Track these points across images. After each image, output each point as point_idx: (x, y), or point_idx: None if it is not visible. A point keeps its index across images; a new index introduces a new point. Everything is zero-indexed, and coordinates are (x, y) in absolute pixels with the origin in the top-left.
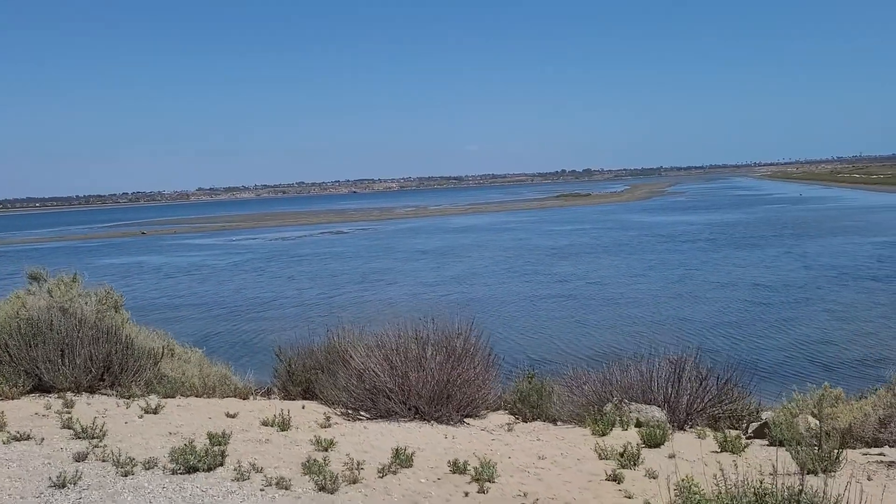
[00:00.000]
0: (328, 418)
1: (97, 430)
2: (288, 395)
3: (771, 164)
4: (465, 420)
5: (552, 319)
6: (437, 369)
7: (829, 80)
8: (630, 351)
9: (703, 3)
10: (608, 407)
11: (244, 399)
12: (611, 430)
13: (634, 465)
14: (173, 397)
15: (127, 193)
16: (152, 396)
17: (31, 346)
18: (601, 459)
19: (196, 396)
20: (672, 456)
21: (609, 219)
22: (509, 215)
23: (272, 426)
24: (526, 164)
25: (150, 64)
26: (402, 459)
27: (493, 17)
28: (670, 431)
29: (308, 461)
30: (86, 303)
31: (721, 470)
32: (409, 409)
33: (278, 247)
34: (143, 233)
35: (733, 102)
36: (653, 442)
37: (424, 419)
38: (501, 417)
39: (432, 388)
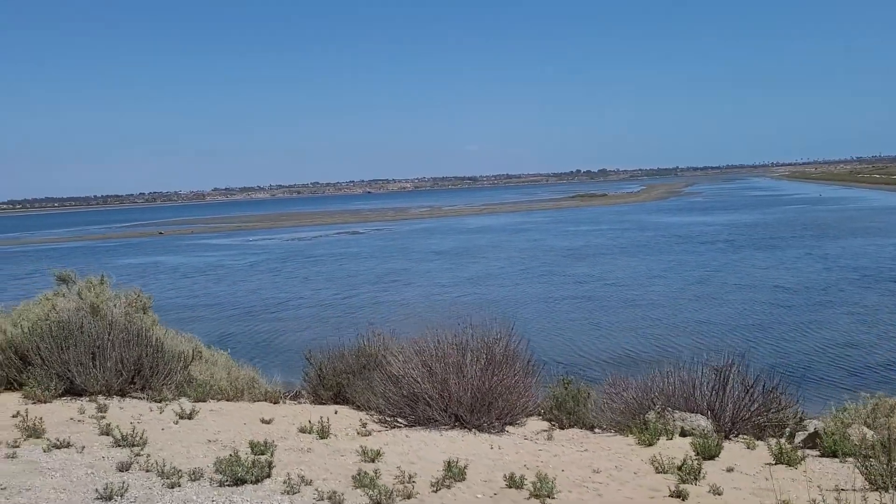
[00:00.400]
0: (364, 425)
1: (137, 438)
2: (318, 400)
3: (789, 165)
4: (504, 428)
5: (571, 321)
6: (477, 376)
7: (848, 80)
8: (649, 353)
9: (719, 1)
10: (650, 415)
11: (275, 403)
12: (657, 439)
13: (696, 479)
14: (205, 401)
15: (144, 193)
16: (183, 400)
17: (62, 349)
18: (658, 473)
19: (227, 400)
20: (730, 469)
21: (626, 219)
22: (525, 216)
23: (310, 433)
24: (540, 164)
25: (163, 64)
26: (454, 473)
27: (506, 16)
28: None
29: (358, 474)
30: (114, 305)
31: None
32: (450, 416)
33: (295, 247)
34: (161, 233)
35: (750, 102)
36: (707, 453)
37: (465, 427)
38: (537, 424)
39: (473, 395)
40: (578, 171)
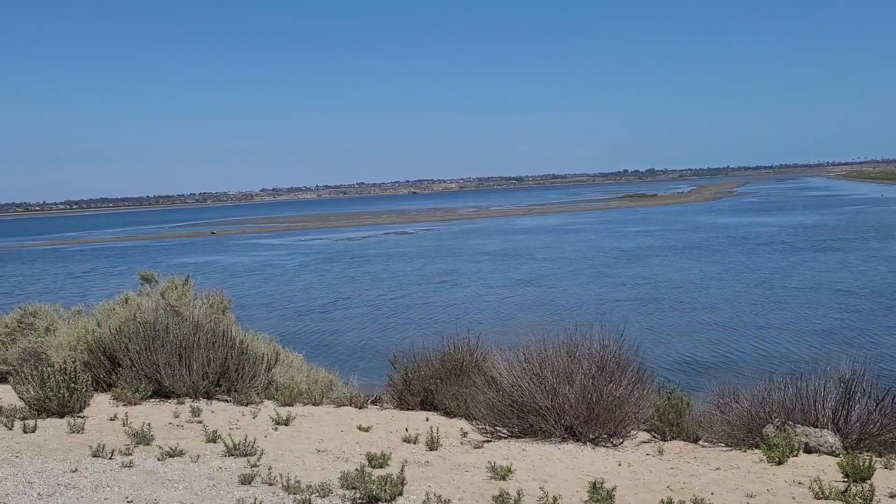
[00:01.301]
0: (465, 434)
1: (249, 447)
2: (404, 405)
3: (845, 164)
4: (621, 441)
5: (629, 323)
6: (591, 385)
7: None
8: (707, 358)
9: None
10: (769, 429)
11: (360, 408)
12: (788, 457)
13: None
14: (292, 405)
15: (194, 194)
16: (269, 403)
17: (150, 351)
18: (819, 499)
19: (313, 405)
20: (893, 495)
21: (678, 220)
22: (574, 216)
23: (414, 443)
24: (587, 163)
25: (210, 66)
26: (602, 496)
27: (553, 15)
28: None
29: (501, 496)
30: (196, 306)
31: None
32: (563, 428)
33: (345, 247)
34: (213, 233)
35: (803, 99)
36: (858, 475)
37: (579, 440)
38: (639, 435)
39: (588, 405)
40: (626, 170)
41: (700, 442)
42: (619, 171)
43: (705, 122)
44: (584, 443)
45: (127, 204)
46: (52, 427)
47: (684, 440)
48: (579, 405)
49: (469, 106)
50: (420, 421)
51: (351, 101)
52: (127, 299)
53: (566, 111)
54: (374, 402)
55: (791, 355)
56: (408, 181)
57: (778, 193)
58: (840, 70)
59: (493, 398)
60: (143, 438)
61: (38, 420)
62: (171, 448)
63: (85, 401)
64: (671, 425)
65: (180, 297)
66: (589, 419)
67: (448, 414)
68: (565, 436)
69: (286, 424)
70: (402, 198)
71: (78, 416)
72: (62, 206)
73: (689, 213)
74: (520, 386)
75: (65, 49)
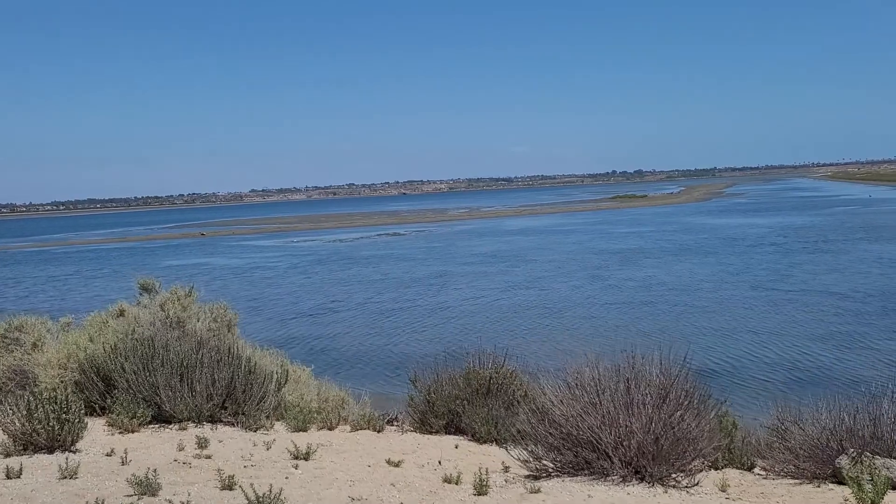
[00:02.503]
0: (507, 468)
1: (274, 500)
2: (427, 428)
3: (830, 165)
4: (682, 479)
5: (623, 327)
6: (657, 416)
7: (891, 78)
8: (706, 364)
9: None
10: (843, 461)
11: (378, 432)
12: (882, 496)
13: None
14: (305, 430)
15: (183, 195)
16: (277, 427)
17: (148, 371)
18: None
19: (328, 429)
20: None
21: (669, 221)
22: (565, 217)
23: (457, 484)
24: (575, 165)
25: (197, 67)
26: None
27: (539, 17)
28: None
29: None
30: (198, 320)
31: None
32: (622, 464)
33: (337, 249)
34: (203, 234)
35: (789, 101)
36: None
37: (643, 479)
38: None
39: (656, 439)
40: (614, 171)
41: (755, 470)
42: (607, 172)
43: (692, 124)
44: (652, 484)
45: (115, 205)
46: (41, 469)
47: (738, 468)
48: (647, 439)
49: (458, 107)
50: (449, 448)
51: (341, 101)
52: (122, 311)
53: (555, 112)
54: (389, 423)
55: (787, 361)
56: (398, 182)
57: (767, 194)
58: (825, 72)
59: (542, 430)
60: (147, 488)
61: (25, 457)
62: (181, 503)
63: (77, 433)
64: (723, 451)
65: (183, 311)
66: (657, 455)
67: (477, 439)
68: (625, 474)
69: (306, 459)
70: (392, 199)
71: (70, 452)
72: (49, 207)
73: (680, 215)
74: (574, 416)
75: (51, 48)
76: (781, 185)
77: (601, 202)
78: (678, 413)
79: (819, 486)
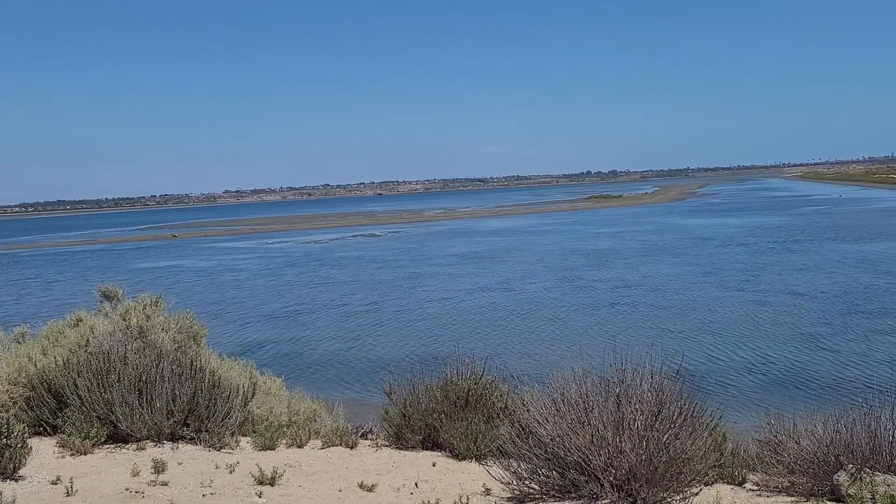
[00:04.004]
0: (488, 490)
1: None
2: (402, 444)
3: (800, 165)
4: (671, 501)
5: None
6: (646, 435)
7: (858, 79)
8: (702, 369)
9: (729, 2)
10: (841, 477)
11: (351, 448)
12: None
13: None
14: (272, 448)
15: (155, 196)
16: (243, 444)
17: (103, 387)
18: None
19: (298, 447)
20: None
21: (645, 221)
22: (541, 217)
23: None
24: (550, 165)
25: (170, 67)
26: None
27: (515, 18)
28: None
29: None
30: (163, 330)
31: None
32: (612, 487)
33: (312, 250)
34: (175, 236)
35: (760, 102)
36: None
37: (635, 503)
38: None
39: (650, 460)
40: (589, 172)
41: (746, 486)
42: (582, 173)
43: (665, 124)
44: None
45: (85, 206)
46: None
47: (728, 482)
48: (639, 460)
49: (433, 108)
50: (427, 467)
51: (316, 102)
52: (79, 320)
53: (528, 113)
54: (363, 436)
55: (753, 363)
56: (373, 182)
57: (739, 194)
58: (795, 74)
59: (527, 450)
60: None
61: None
62: None
63: (20, 459)
64: (713, 466)
65: (147, 320)
66: (650, 478)
67: (456, 455)
68: (615, 498)
69: (272, 484)
70: (368, 199)
71: (12, 480)
72: (17, 209)
73: (655, 215)
74: (560, 436)
75: (20, 48)
76: (754, 185)
77: (577, 202)
78: (672, 431)
79: (814, 503)
